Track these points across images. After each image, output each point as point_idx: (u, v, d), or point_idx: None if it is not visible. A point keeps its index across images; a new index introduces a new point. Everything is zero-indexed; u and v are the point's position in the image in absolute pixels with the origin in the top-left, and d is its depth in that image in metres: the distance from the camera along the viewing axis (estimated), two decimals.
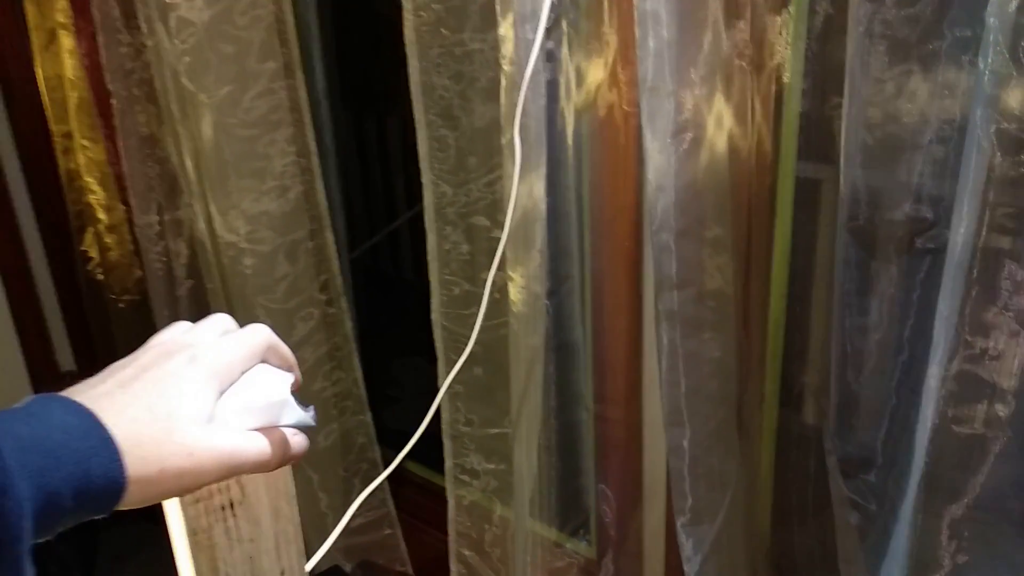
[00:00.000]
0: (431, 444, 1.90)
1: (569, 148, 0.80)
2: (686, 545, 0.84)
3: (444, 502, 1.65)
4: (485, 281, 1.06)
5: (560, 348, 0.88)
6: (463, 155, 0.99)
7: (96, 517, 0.39)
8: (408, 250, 2.16)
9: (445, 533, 1.63)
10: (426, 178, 1.04)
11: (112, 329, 1.85)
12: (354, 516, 1.68)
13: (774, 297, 0.88)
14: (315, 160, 1.34)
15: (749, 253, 0.83)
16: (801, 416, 0.92)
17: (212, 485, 0.52)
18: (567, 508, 0.97)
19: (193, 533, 0.52)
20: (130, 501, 0.40)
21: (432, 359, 2.11)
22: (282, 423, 0.48)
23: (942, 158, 0.66)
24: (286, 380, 0.48)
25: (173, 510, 0.52)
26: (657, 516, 0.97)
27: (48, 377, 2.16)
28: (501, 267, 0.87)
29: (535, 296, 0.85)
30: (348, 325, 1.47)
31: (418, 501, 1.72)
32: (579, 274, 0.86)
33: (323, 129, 1.53)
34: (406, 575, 1.69)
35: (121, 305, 1.77)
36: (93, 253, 1.83)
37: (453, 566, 1.26)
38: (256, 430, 0.46)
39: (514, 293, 0.86)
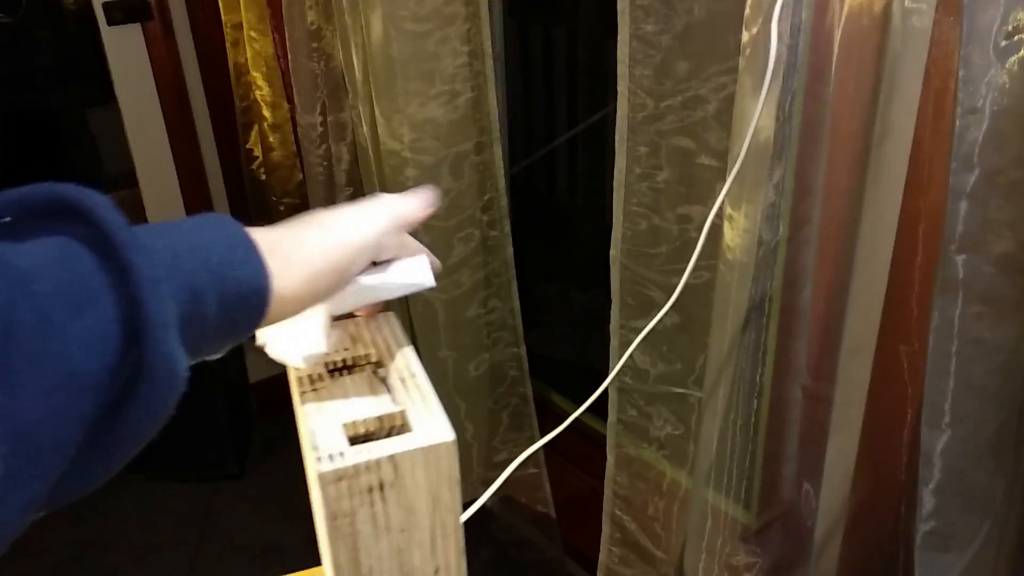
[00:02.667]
0: (584, 380, 1.79)
1: (835, 54, 0.60)
2: (922, 574, 0.67)
3: (592, 441, 1.54)
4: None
5: (784, 310, 0.70)
6: (673, 59, 0.81)
7: (245, 332, 0.39)
8: (564, 170, 2.02)
9: (590, 474, 1.52)
10: (622, 86, 0.86)
11: None
12: (499, 451, 1.60)
13: None
14: (489, 63, 1.19)
15: None
16: None
17: (359, 463, 0.40)
18: (758, 501, 0.81)
19: (333, 518, 0.41)
20: (278, 305, 0.39)
21: (581, 287, 1.97)
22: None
23: None
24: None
25: (314, 489, 0.41)
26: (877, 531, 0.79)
27: None
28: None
29: (760, 242, 0.67)
30: (509, 250, 1.34)
31: (565, 438, 1.62)
32: (820, 220, 0.67)
33: (494, 34, 1.38)
34: (547, 516, 1.60)
35: (282, 208, 1.73)
36: (257, 152, 1.79)
37: (606, 527, 1.14)
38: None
39: (732, 236, 0.69)
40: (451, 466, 0.42)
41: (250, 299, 0.38)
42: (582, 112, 1.91)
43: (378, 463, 0.41)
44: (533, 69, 1.90)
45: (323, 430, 0.42)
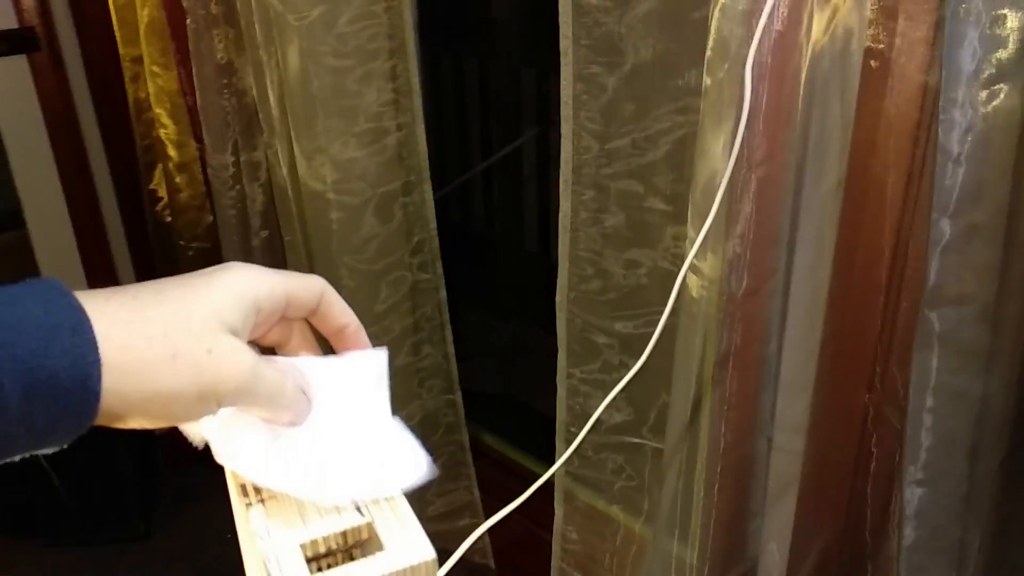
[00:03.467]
0: (511, 412, 1.73)
1: (799, 96, 0.58)
2: None
3: (529, 483, 1.49)
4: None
5: (750, 364, 0.67)
6: (620, 100, 0.78)
7: (74, 429, 0.31)
8: (480, 202, 2.01)
9: (530, 519, 1.47)
10: (566, 128, 0.83)
11: None
12: (434, 503, 1.53)
13: None
14: (417, 100, 1.14)
15: None
16: None
17: None
18: (723, 559, 0.78)
19: None
20: (107, 408, 0.32)
21: (504, 316, 1.92)
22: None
23: None
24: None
25: None
26: None
27: None
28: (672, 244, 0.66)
29: (725, 295, 0.64)
30: (442, 293, 1.28)
31: (502, 482, 1.57)
32: (786, 268, 0.64)
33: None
34: (486, 567, 1.54)
35: (190, 253, 1.62)
36: (162, 193, 1.67)
37: None
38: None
39: (696, 287, 0.65)
40: None
41: (73, 392, 0.30)
42: (497, 140, 1.89)
43: None
44: (447, 97, 1.88)
45: (278, 555, 0.36)
